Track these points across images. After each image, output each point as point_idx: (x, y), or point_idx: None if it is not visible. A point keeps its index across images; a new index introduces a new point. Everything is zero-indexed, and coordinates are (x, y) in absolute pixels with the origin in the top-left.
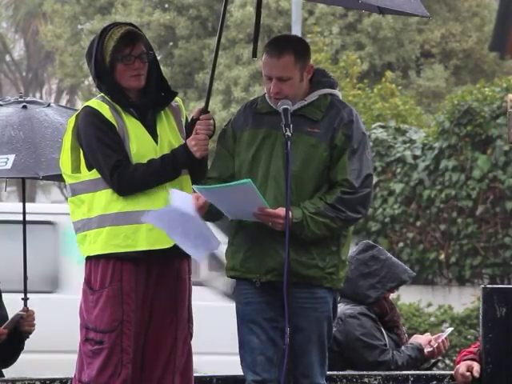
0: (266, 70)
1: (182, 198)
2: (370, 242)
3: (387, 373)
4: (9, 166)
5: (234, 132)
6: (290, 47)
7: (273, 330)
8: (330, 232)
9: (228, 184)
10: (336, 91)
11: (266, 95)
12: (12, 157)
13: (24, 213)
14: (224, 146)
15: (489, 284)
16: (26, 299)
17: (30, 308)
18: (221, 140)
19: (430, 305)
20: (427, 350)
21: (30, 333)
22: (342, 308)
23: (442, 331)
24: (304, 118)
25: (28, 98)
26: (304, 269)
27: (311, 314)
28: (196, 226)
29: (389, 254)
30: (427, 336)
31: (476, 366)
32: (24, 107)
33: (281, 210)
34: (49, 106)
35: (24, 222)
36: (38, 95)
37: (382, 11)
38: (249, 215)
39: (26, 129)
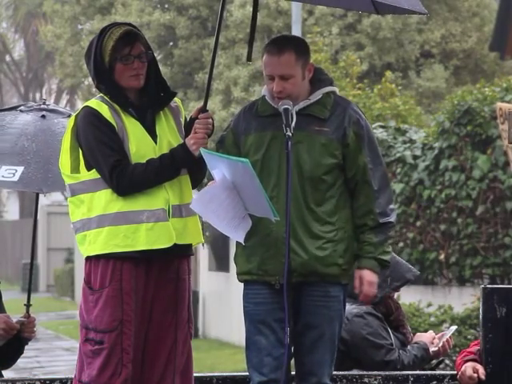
0: (268, 70)
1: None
2: None
3: (387, 373)
4: (16, 178)
5: (235, 138)
6: (291, 45)
7: (282, 330)
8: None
9: (228, 156)
10: (335, 88)
11: (267, 96)
12: (20, 169)
13: (36, 212)
14: (225, 151)
15: (489, 284)
16: (28, 305)
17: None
18: (221, 145)
19: (430, 305)
20: (432, 349)
21: (30, 339)
22: (348, 307)
23: (443, 331)
24: (311, 117)
25: (51, 106)
26: (324, 267)
27: (325, 312)
28: (234, 203)
29: (393, 253)
30: (431, 334)
31: (481, 369)
32: (43, 117)
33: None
34: (69, 116)
35: (35, 221)
36: (37, 95)
37: (380, 9)
38: (245, 197)
39: (40, 141)
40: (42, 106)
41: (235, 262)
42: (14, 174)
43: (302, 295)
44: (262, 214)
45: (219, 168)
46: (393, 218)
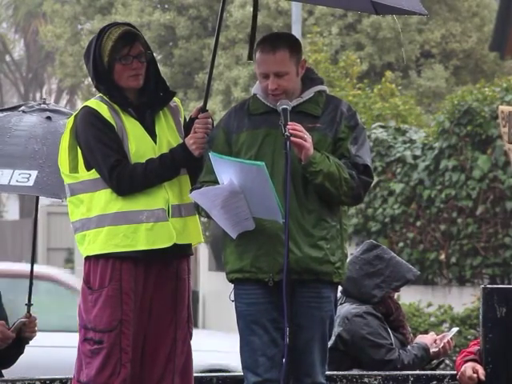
0: (262, 68)
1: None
2: (374, 241)
3: (387, 373)
4: (31, 182)
5: (226, 136)
6: (284, 42)
7: (275, 330)
8: (341, 188)
9: (242, 160)
10: (326, 87)
11: (258, 94)
12: (34, 173)
13: (36, 215)
14: (216, 150)
15: (489, 284)
16: (29, 305)
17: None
18: (211, 145)
19: (430, 305)
20: (433, 350)
21: (31, 339)
22: (348, 308)
23: (443, 331)
24: (303, 114)
25: (52, 106)
26: (317, 265)
27: (316, 313)
28: (238, 204)
29: (393, 254)
30: (432, 336)
31: (481, 369)
32: (48, 118)
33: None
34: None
35: (35, 224)
36: (38, 95)
37: (379, 9)
38: (252, 200)
39: (50, 143)
40: (43, 106)
41: (225, 261)
42: (28, 179)
43: (294, 296)
44: (269, 216)
45: (227, 172)
46: (360, 191)
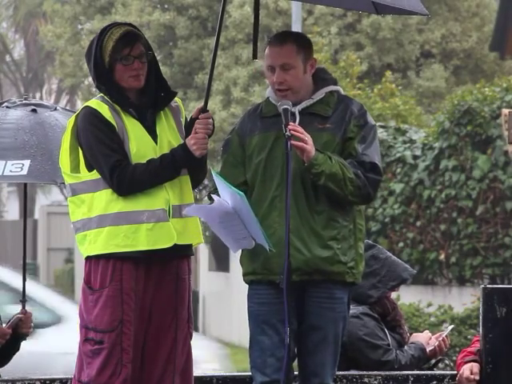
0: (269, 61)
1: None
2: (370, 241)
3: (387, 373)
4: (24, 171)
5: (240, 140)
6: (292, 37)
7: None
8: (347, 187)
9: (229, 185)
10: (339, 88)
11: (271, 97)
12: (27, 162)
13: (25, 212)
14: (231, 154)
15: (489, 284)
16: (24, 301)
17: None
18: (226, 149)
19: (430, 305)
20: (429, 349)
21: (28, 335)
22: None
23: (442, 331)
24: (314, 115)
25: (33, 101)
26: (328, 265)
27: (329, 314)
28: (234, 223)
29: (388, 253)
30: (427, 334)
31: (477, 374)
32: (33, 111)
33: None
34: (55, 109)
35: (25, 222)
36: (38, 95)
37: (380, 9)
38: (245, 222)
39: (39, 134)
40: (25, 102)
41: (240, 264)
42: (21, 168)
43: (306, 296)
44: (259, 241)
45: (224, 191)
46: (368, 188)
